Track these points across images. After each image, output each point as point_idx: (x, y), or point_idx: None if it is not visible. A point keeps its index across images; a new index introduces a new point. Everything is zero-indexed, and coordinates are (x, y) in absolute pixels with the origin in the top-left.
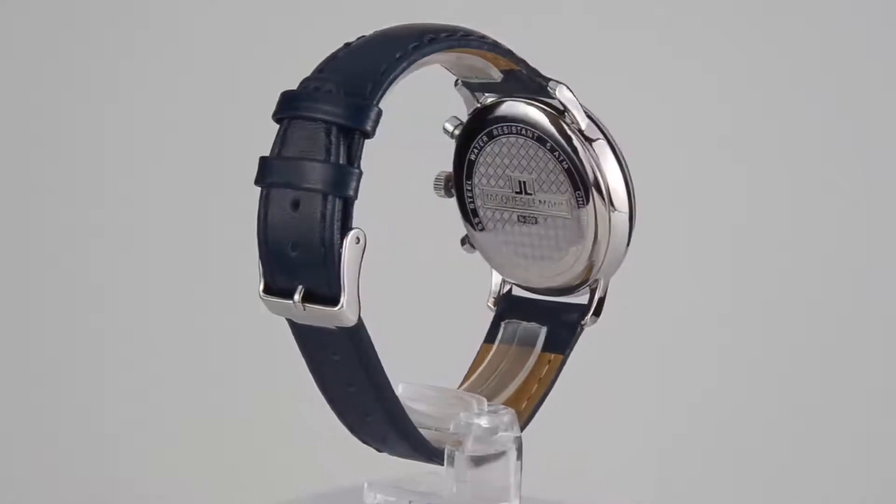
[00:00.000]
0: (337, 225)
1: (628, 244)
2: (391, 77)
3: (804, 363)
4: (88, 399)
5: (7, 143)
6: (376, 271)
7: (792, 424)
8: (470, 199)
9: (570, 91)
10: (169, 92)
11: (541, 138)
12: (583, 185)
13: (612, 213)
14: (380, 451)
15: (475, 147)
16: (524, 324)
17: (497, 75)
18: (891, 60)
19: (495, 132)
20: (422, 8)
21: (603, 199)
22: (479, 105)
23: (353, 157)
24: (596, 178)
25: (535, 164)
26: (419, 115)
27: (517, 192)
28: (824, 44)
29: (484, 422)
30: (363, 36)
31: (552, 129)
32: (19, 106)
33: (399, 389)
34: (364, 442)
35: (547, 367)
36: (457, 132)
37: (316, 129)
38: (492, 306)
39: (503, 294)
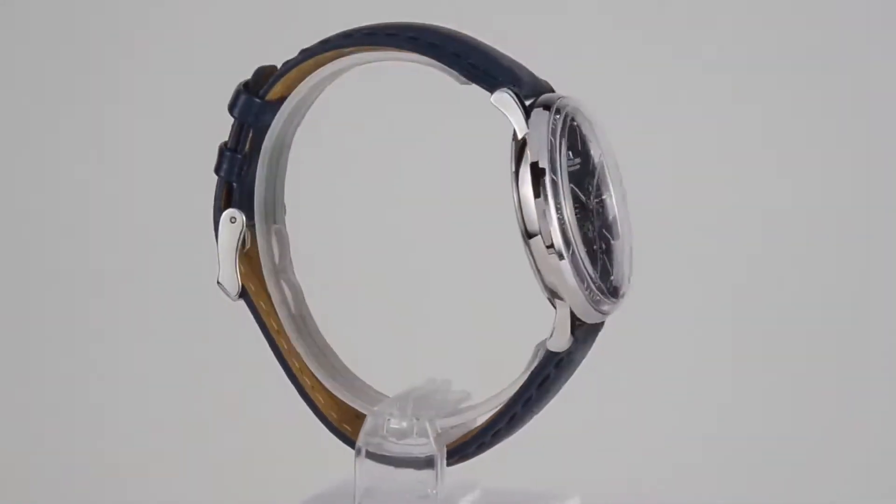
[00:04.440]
0: (216, 205)
1: (577, 278)
2: (276, 75)
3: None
4: (87, 398)
5: None
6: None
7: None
8: None
9: (515, 98)
10: (170, 88)
11: None
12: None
13: (532, 241)
14: None
15: None
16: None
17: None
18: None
19: None
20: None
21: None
22: None
23: (240, 144)
24: (518, 200)
25: None
26: None
27: None
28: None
29: (391, 423)
30: None
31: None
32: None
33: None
34: None
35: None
36: None
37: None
38: None
39: None
